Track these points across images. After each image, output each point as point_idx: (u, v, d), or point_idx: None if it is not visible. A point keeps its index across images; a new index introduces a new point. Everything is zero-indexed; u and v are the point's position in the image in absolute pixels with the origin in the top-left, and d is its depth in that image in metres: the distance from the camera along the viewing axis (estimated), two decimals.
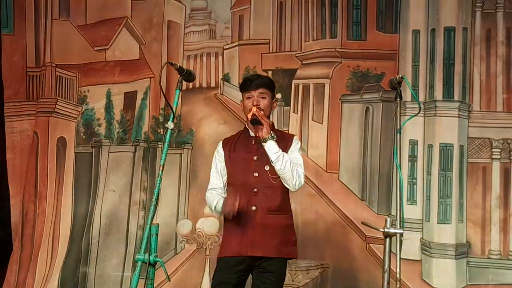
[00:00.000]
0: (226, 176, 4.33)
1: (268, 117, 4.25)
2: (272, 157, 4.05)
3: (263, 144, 4.08)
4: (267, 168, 4.13)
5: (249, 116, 4.11)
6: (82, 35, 6.91)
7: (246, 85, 4.25)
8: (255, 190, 4.14)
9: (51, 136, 6.83)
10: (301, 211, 5.92)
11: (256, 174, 4.16)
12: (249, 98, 4.21)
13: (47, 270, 6.57)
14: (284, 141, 4.24)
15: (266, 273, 4.12)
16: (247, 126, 4.34)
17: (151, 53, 6.71)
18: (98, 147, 6.73)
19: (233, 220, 4.10)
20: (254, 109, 4.10)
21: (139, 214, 6.45)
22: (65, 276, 6.50)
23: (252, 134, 4.23)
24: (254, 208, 4.11)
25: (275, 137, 4.10)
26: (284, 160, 4.06)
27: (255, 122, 4.06)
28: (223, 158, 4.32)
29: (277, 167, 4.06)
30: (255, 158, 4.19)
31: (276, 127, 5.91)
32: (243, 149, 4.25)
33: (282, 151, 4.13)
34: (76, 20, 6.95)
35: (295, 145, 4.28)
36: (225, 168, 4.32)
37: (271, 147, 4.06)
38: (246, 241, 4.09)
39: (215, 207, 4.19)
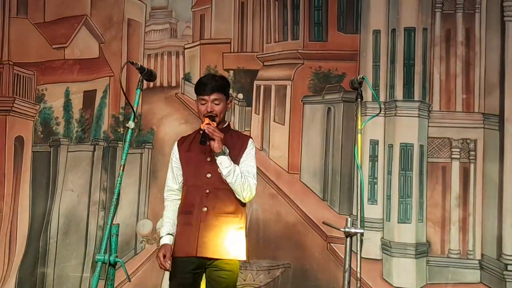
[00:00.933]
0: (182, 178, 4.33)
1: (223, 119, 4.27)
2: (224, 171, 4.05)
3: (216, 157, 4.07)
4: (220, 170, 4.12)
5: (202, 126, 4.07)
6: (40, 33, 6.83)
7: (200, 90, 4.22)
8: (207, 191, 4.14)
9: (8, 135, 6.74)
10: (263, 211, 5.94)
11: (209, 175, 4.16)
12: (203, 104, 4.20)
13: (4, 270, 6.48)
14: (239, 144, 4.25)
15: (218, 271, 4.11)
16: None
17: (111, 52, 6.65)
18: (56, 146, 6.65)
19: (185, 220, 4.16)
20: (206, 121, 4.09)
21: (99, 214, 6.40)
22: (23, 276, 6.42)
23: (208, 143, 4.21)
24: (205, 209, 4.12)
25: (226, 151, 4.09)
26: (236, 174, 4.06)
27: (204, 142, 4.05)
28: (178, 159, 4.32)
29: (228, 180, 4.07)
30: (208, 159, 4.18)
31: (238, 128, 5.97)
32: (198, 150, 4.24)
33: (237, 154, 4.17)
34: (34, 18, 6.86)
35: (250, 149, 4.28)
36: (180, 168, 4.32)
37: (222, 162, 4.05)
38: (196, 242, 4.10)
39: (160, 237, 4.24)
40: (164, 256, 4.13)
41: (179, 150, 4.33)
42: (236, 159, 4.16)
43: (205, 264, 4.13)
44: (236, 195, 4.13)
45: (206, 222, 4.11)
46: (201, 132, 4.09)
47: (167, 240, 4.21)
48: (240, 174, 4.09)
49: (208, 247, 4.09)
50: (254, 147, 4.32)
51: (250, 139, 4.34)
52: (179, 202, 4.30)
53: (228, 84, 4.36)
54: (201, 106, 4.20)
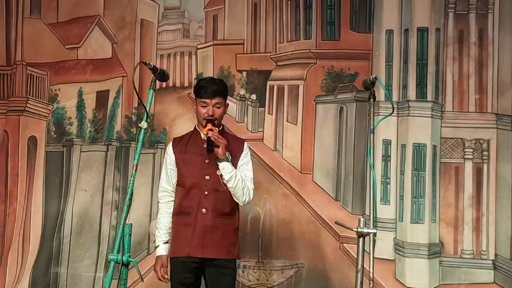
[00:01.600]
0: (176, 179, 4.41)
1: (221, 123, 4.36)
2: (226, 176, 4.15)
3: (219, 163, 4.16)
4: (218, 172, 4.22)
5: (204, 132, 4.18)
6: (53, 33, 6.85)
7: (202, 93, 4.30)
8: (206, 193, 4.24)
9: (22, 135, 6.76)
10: (276, 211, 5.95)
11: (207, 177, 4.26)
12: (204, 106, 4.26)
13: (17, 270, 6.50)
14: (236, 146, 4.37)
15: (219, 268, 4.23)
16: (197, 128, 4.42)
17: (124, 52, 6.66)
18: (70, 146, 6.67)
19: (183, 221, 4.25)
20: (208, 127, 4.18)
21: (112, 214, 6.41)
22: (36, 276, 6.43)
23: (203, 137, 4.26)
24: (204, 210, 4.22)
25: (229, 157, 4.19)
26: (237, 179, 4.17)
27: (211, 150, 4.11)
28: (174, 160, 4.40)
29: (229, 185, 4.18)
30: (207, 161, 4.27)
31: (251, 129, 5.99)
32: (195, 151, 4.33)
33: (234, 157, 4.26)
34: (48, 18, 6.88)
35: (246, 153, 4.41)
36: (175, 170, 4.40)
37: (225, 167, 4.15)
38: (196, 243, 4.20)
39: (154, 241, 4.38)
40: (162, 270, 4.28)
41: (174, 152, 4.40)
42: (234, 163, 4.27)
43: (205, 264, 4.24)
44: (235, 199, 4.24)
45: (206, 223, 4.21)
46: (204, 138, 4.14)
47: (163, 250, 4.36)
48: (241, 179, 4.21)
49: (210, 248, 4.19)
50: (249, 151, 4.46)
51: (245, 143, 4.49)
52: (172, 203, 4.40)
53: (227, 88, 4.46)
54: (202, 108, 4.27)
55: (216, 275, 4.23)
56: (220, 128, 4.36)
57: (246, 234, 5.93)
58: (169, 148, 4.44)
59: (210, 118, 4.22)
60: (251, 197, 4.29)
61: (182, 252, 4.22)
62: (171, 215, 4.40)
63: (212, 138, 4.10)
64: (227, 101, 4.44)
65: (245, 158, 4.38)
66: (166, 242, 4.38)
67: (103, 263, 6.33)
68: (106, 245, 6.36)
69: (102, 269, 6.31)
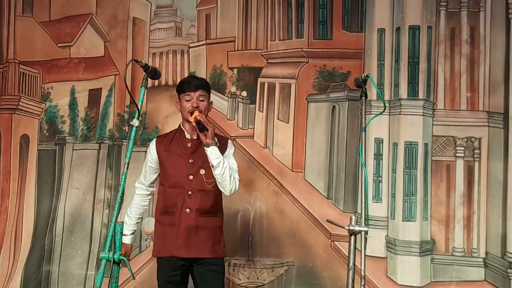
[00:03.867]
0: (156, 175, 4.50)
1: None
2: (214, 162, 4.13)
3: (205, 148, 4.14)
4: (202, 172, 4.24)
5: (191, 119, 4.17)
6: (46, 31, 6.84)
7: (185, 87, 4.33)
8: (190, 193, 4.25)
9: (14, 133, 6.76)
10: (267, 209, 5.95)
11: (191, 177, 4.26)
12: (188, 100, 4.27)
13: (9, 268, 6.50)
14: (221, 143, 4.33)
15: (207, 265, 4.25)
16: (181, 127, 4.42)
17: (116, 50, 6.66)
18: (62, 144, 6.67)
19: (167, 221, 4.27)
20: (196, 113, 4.14)
21: (103, 212, 6.41)
22: (28, 274, 6.44)
23: (188, 136, 4.33)
24: (188, 210, 4.23)
25: (218, 143, 4.19)
26: (224, 166, 4.15)
27: (203, 129, 4.09)
28: (154, 159, 4.43)
29: (216, 172, 4.15)
30: (190, 161, 4.28)
31: (241, 126, 6.00)
32: (178, 151, 4.34)
33: (220, 152, 4.23)
34: (40, 16, 6.88)
35: (230, 149, 4.40)
36: (154, 168, 4.47)
37: (213, 153, 4.14)
38: (181, 243, 4.22)
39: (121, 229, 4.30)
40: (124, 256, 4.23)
41: (158, 151, 4.40)
42: None
43: (193, 262, 4.26)
44: (221, 189, 4.23)
45: (190, 223, 4.22)
46: (193, 123, 4.14)
47: (128, 240, 4.46)
48: (228, 167, 4.18)
49: (194, 248, 4.21)
50: (233, 147, 4.46)
51: (230, 140, 4.50)
52: (145, 198, 4.54)
53: (209, 86, 4.46)
54: (186, 102, 4.28)
55: (204, 271, 4.26)
56: None
57: (236, 232, 5.94)
58: (152, 146, 4.44)
59: (196, 109, 4.22)
60: (237, 187, 4.27)
61: (167, 252, 4.25)
62: (143, 208, 4.54)
63: (202, 120, 4.10)
64: (211, 100, 4.46)
65: (230, 152, 4.38)
66: (133, 234, 4.50)
67: (94, 261, 6.33)
68: (98, 243, 6.37)
69: (93, 267, 6.32)
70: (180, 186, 4.26)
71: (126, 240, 4.44)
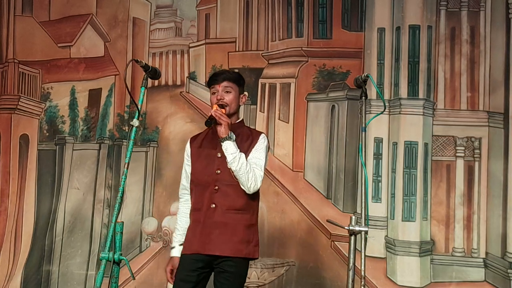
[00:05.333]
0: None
1: (236, 113, 4.19)
2: (229, 157, 3.96)
3: (221, 143, 4.00)
4: (228, 165, 4.01)
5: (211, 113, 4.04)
6: (45, 31, 6.85)
7: (212, 80, 4.15)
8: (216, 187, 4.04)
9: (14, 133, 6.77)
10: (267, 209, 5.95)
11: (218, 171, 4.06)
12: (214, 93, 4.12)
13: (9, 268, 6.50)
14: (251, 138, 4.16)
15: (223, 273, 4.02)
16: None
17: (116, 50, 6.67)
18: (62, 144, 6.67)
19: (194, 217, 4.09)
20: (214, 107, 4.04)
21: (103, 212, 6.41)
22: (28, 274, 6.44)
23: (213, 128, 4.15)
24: (213, 206, 4.01)
25: (233, 137, 4.01)
26: (240, 162, 3.97)
27: (209, 123, 4.00)
28: (190, 156, 4.25)
29: (232, 167, 3.96)
30: (219, 155, 4.08)
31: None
32: (208, 146, 4.18)
33: (247, 147, 4.08)
34: (40, 16, 6.89)
35: (261, 143, 4.16)
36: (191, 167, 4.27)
37: (228, 147, 3.97)
38: (203, 239, 4.01)
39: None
40: (172, 271, 4.11)
41: (191, 147, 4.27)
42: (246, 152, 4.07)
43: (213, 264, 4.05)
44: (241, 186, 4.01)
45: (213, 219, 4.01)
46: (207, 118, 4.03)
47: (176, 252, 4.17)
48: (246, 163, 3.99)
49: (216, 245, 3.99)
50: (266, 141, 4.19)
51: (263, 134, 4.23)
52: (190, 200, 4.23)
53: (242, 78, 4.25)
54: (212, 96, 4.13)
55: (221, 279, 4.01)
56: (239, 120, 4.22)
57: None
58: (187, 144, 4.32)
59: (220, 103, 4.06)
60: (258, 184, 4.03)
61: (189, 249, 4.04)
62: (188, 216, 4.22)
63: (213, 114, 3.95)
64: (244, 94, 4.24)
65: (259, 146, 4.14)
66: (181, 245, 4.18)
67: (94, 261, 6.33)
68: (98, 243, 6.37)
69: (94, 267, 6.32)
70: (207, 181, 4.07)
71: (175, 252, 4.19)
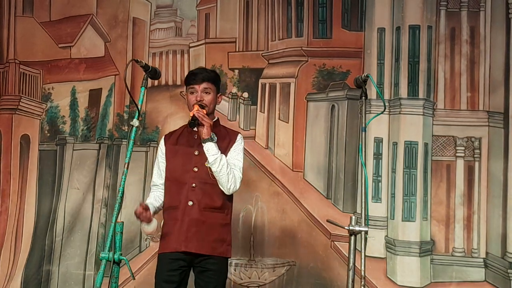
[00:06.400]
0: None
1: (213, 112, 4.25)
2: (210, 158, 4.02)
3: (203, 144, 4.04)
4: (207, 164, 4.07)
5: (191, 114, 4.06)
6: (46, 31, 6.85)
7: (190, 79, 4.20)
8: (194, 185, 4.10)
9: (15, 134, 6.77)
10: (268, 209, 5.95)
11: (195, 169, 4.11)
12: (192, 93, 4.18)
13: (9, 268, 6.51)
14: (228, 138, 4.23)
15: (206, 271, 4.09)
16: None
17: (116, 50, 6.67)
18: (63, 144, 6.67)
19: (171, 215, 4.13)
20: (195, 108, 4.06)
21: (101, 212, 6.41)
22: (29, 274, 6.44)
23: (195, 128, 4.15)
24: (191, 203, 4.07)
25: (214, 138, 4.07)
26: (221, 163, 4.03)
27: (193, 124, 4.03)
28: (164, 153, 4.29)
29: (213, 168, 4.02)
30: (196, 153, 4.13)
31: (243, 127, 5.98)
32: (185, 143, 4.21)
33: (225, 148, 4.14)
34: (40, 17, 6.89)
35: (238, 144, 4.25)
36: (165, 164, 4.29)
37: (209, 149, 4.03)
38: (181, 236, 4.05)
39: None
40: (142, 207, 4.03)
41: (166, 144, 4.29)
42: (224, 153, 4.12)
43: (193, 262, 4.10)
44: (220, 186, 4.08)
45: (191, 217, 4.07)
46: (190, 120, 4.05)
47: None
48: (226, 164, 4.05)
49: (194, 242, 4.04)
50: (242, 142, 4.30)
51: (239, 135, 4.32)
52: (162, 195, 4.29)
53: (218, 77, 4.34)
54: (191, 95, 4.18)
55: (204, 278, 4.09)
56: (215, 120, 4.25)
57: (238, 232, 5.93)
58: (161, 141, 4.35)
59: (200, 103, 4.11)
60: (237, 186, 4.11)
61: (168, 248, 4.10)
62: (159, 198, 4.28)
63: (196, 115, 4.00)
64: (220, 94, 4.32)
65: (237, 147, 4.23)
66: (150, 204, 4.18)
67: (92, 261, 6.33)
68: (95, 242, 6.36)
69: (92, 267, 6.32)
70: (184, 179, 4.12)
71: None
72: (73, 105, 6.71)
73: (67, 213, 6.49)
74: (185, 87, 4.32)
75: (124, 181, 3.58)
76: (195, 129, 4.10)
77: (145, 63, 3.85)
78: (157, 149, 4.49)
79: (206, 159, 4.07)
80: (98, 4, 6.78)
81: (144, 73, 3.88)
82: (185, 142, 4.22)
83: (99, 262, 3.50)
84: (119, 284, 3.73)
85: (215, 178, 4.09)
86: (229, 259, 4.27)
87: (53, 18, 6.88)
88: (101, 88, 6.68)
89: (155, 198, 4.32)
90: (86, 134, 6.63)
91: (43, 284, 6.41)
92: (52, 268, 6.42)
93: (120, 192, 3.57)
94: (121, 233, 3.66)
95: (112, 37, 6.70)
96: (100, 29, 6.74)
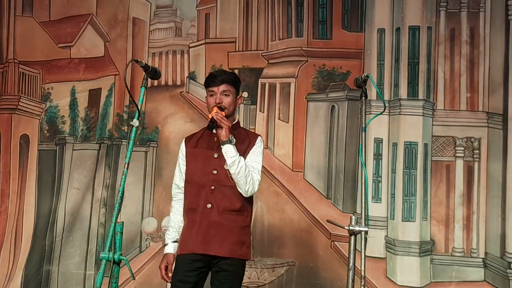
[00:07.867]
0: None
1: (233, 114, 4.21)
2: (228, 161, 3.98)
3: (222, 146, 4.01)
4: (226, 166, 4.03)
5: (209, 116, 4.03)
6: (46, 31, 6.85)
7: (210, 81, 4.17)
8: (212, 188, 4.06)
9: (14, 134, 6.77)
10: (267, 209, 5.95)
11: (215, 172, 4.08)
12: (212, 95, 4.14)
13: (9, 268, 6.50)
14: (248, 141, 4.19)
15: (222, 272, 4.05)
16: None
17: (116, 50, 6.67)
18: (62, 144, 6.67)
19: (190, 218, 4.09)
20: (214, 110, 4.06)
21: (100, 211, 6.41)
22: (29, 274, 6.44)
23: (214, 131, 4.16)
24: (209, 206, 4.03)
25: (233, 140, 4.03)
26: (240, 165, 4.00)
27: (212, 127, 4.02)
28: (185, 156, 4.25)
29: (231, 171, 3.99)
30: (215, 155, 4.10)
31: (242, 126, 5.97)
32: (205, 146, 4.18)
33: (244, 150, 4.11)
34: (40, 17, 6.89)
35: (258, 147, 4.21)
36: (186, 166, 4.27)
37: (228, 151, 3.99)
38: (200, 239, 4.01)
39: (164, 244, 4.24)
40: (166, 268, 4.12)
41: (186, 147, 4.27)
42: (243, 155, 4.09)
43: (211, 263, 4.06)
44: (238, 189, 4.05)
45: (210, 219, 4.02)
46: (209, 122, 4.04)
47: (170, 249, 4.18)
48: (244, 166, 4.02)
49: (212, 245, 4.01)
50: (262, 144, 4.25)
51: (259, 137, 4.27)
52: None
53: (238, 79, 4.29)
54: (210, 98, 4.14)
55: (220, 278, 4.04)
56: (235, 122, 4.22)
57: None
58: (182, 144, 4.33)
59: (219, 105, 4.07)
60: (255, 188, 4.09)
61: (186, 249, 4.05)
62: (182, 214, 4.23)
63: (215, 118, 3.97)
64: (240, 96, 4.28)
65: (256, 149, 4.18)
66: (175, 241, 4.20)
67: (92, 261, 6.33)
68: (95, 242, 6.36)
69: (92, 267, 6.32)
70: (203, 181, 4.09)
71: (168, 249, 4.20)
72: (73, 105, 6.71)
73: (67, 213, 6.48)
74: (205, 90, 4.27)
75: (124, 181, 3.57)
76: (214, 131, 4.09)
77: (145, 63, 3.83)
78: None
79: (225, 161, 4.04)
80: (97, 4, 6.78)
81: (144, 73, 3.87)
82: (205, 144, 4.18)
83: (99, 262, 3.49)
84: (119, 284, 3.73)
85: (234, 181, 4.06)
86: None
87: (52, 18, 6.89)
88: (100, 88, 6.68)
89: (180, 215, 4.25)
90: (86, 134, 6.63)
91: (43, 284, 6.41)
92: (52, 268, 6.42)
93: (120, 192, 3.56)
94: (121, 233, 3.65)
95: (112, 37, 6.70)
96: (100, 29, 6.74)
